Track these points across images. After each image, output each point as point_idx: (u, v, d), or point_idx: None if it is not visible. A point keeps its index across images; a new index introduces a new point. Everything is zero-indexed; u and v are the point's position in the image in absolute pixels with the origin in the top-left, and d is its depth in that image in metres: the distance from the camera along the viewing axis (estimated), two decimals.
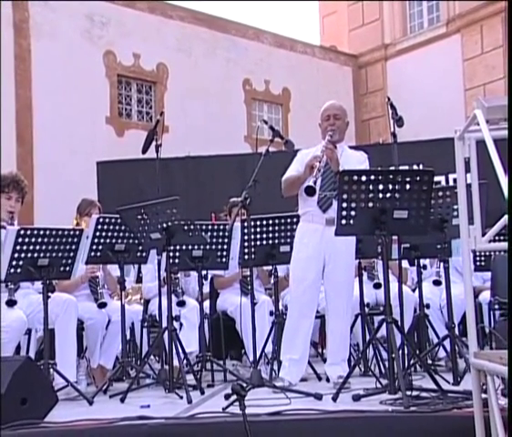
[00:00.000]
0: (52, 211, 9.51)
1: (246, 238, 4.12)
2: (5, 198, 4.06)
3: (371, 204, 3.29)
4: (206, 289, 4.92)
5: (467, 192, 2.48)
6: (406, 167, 5.74)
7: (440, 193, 3.80)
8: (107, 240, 4.11)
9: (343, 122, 4.02)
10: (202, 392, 3.77)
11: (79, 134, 11.89)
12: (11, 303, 3.84)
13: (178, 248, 4.34)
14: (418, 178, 3.28)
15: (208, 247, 4.36)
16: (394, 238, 4.02)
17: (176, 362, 3.84)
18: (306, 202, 3.90)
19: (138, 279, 5.53)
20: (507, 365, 2.05)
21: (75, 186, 9.64)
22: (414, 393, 3.12)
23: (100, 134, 12.38)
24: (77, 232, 3.87)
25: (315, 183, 3.60)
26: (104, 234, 4.09)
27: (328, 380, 3.93)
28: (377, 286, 4.76)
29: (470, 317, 2.42)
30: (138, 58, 13.23)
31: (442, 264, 4.12)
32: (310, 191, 3.62)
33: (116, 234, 4.12)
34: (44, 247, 3.70)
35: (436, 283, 4.66)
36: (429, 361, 4.24)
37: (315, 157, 3.74)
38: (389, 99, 3.98)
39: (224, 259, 4.53)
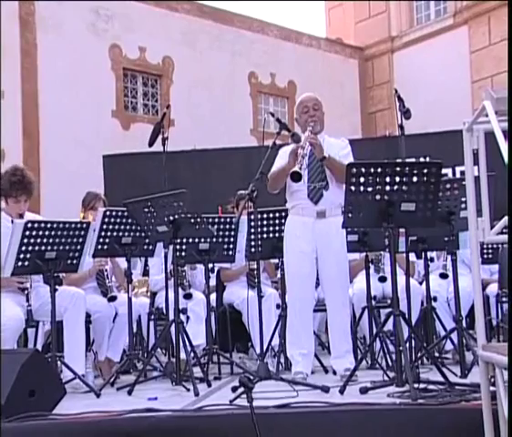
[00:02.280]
0: (58, 205, 9.53)
1: (253, 231, 4.11)
2: (14, 203, 3.99)
3: (378, 196, 3.27)
4: (212, 281, 4.92)
5: (475, 184, 2.47)
6: (413, 160, 5.71)
7: (448, 185, 3.78)
8: (114, 233, 4.11)
9: (321, 112, 4.03)
10: (209, 385, 3.78)
11: (85, 127, 11.91)
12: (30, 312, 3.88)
13: (184, 241, 4.35)
14: (426, 171, 3.26)
15: (214, 240, 4.36)
16: (401, 230, 4.01)
17: (183, 355, 3.84)
18: (295, 195, 3.88)
19: (145, 272, 5.54)
20: (508, 357, 2.05)
21: (81, 179, 9.65)
22: (422, 386, 3.11)
23: (106, 127, 12.40)
24: (84, 225, 3.87)
25: (300, 168, 3.57)
26: (111, 227, 4.10)
27: (335, 372, 3.93)
28: (382, 279, 4.75)
29: (478, 309, 2.41)
30: (143, 52, 13.23)
31: (449, 257, 4.11)
32: (296, 177, 3.55)
33: (122, 227, 4.12)
34: (51, 240, 3.70)
35: (443, 276, 4.65)
36: (436, 354, 4.24)
37: (297, 145, 3.73)
38: (396, 91, 3.96)
39: (231, 252, 4.53)
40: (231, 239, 4.51)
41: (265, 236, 4.30)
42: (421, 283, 4.80)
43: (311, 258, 3.86)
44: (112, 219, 4.09)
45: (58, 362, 3.80)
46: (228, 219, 4.52)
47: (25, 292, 3.92)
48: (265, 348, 4.03)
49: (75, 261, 3.86)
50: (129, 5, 12.81)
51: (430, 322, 4.48)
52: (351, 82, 16.22)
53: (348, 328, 3.98)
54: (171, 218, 3.82)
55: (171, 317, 3.92)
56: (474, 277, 2.45)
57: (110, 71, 12.86)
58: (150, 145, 4.24)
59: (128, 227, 4.13)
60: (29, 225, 3.65)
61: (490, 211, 2.39)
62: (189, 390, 3.55)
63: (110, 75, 12.85)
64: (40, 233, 3.67)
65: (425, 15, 15.91)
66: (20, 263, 3.67)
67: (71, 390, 3.67)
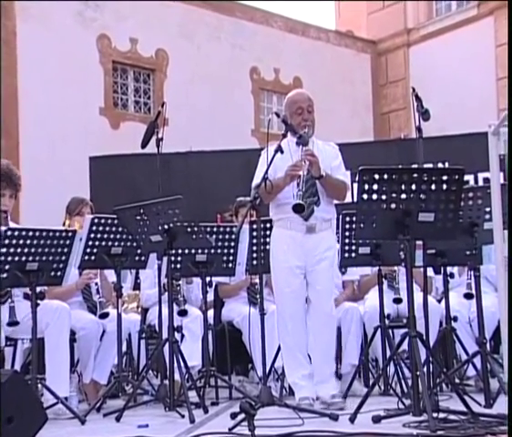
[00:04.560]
0: (40, 210, 9.55)
1: (255, 241, 4.12)
2: None
3: (393, 205, 3.29)
4: (210, 297, 4.93)
5: (501, 193, 2.48)
6: (430, 165, 5.73)
7: (470, 194, 3.78)
8: (103, 243, 4.12)
9: (313, 114, 4.06)
10: (206, 411, 3.79)
11: (70, 126, 11.94)
12: (13, 324, 3.88)
13: (180, 251, 4.36)
14: (446, 178, 3.27)
15: (213, 251, 4.37)
16: (419, 243, 4.01)
17: (177, 377, 3.85)
18: (283, 208, 3.92)
19: (136, 286, 5.54)
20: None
21: (65, 183, 9.68)
22: (441, 416, 3.11)
23: (93, 126, 12.42)
24: (70, 234, 3.88)
25: (302, 198, 3.63)
26: (99, 236, 4.11)
27: (317, 398, 3.90)
28: (398, 301, 4.74)
29: (505, 332, 2.41)
30: (135, 43, 13.27)
31: (472, 273, 4.09)
32: (299, 209, 3.63)
33: (112, 236, 4.14)
34: (33, 249, 3.71)
35: (468, 296, 4.55)
36: (457, 380, 4.23)
37: (296, 165, 3.77)
38: (414, 90, 3.98)
39: (230, 265, 4.55)
40: (231, 251, 4.52)
41: (268, 247, 4.30)
42: (439, 301, 4.79)
43: (300, 272, 3.93)
44: (101, 228, 4.10)
45: (39, 385, 3.80)
46: (228, 229, 4.53)
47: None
48: (268, 370, 4.03)
49: (59, 273, 3.87)
50: None
51: (450, 345, 4.47)
52: (362, 79, 16.26)
53: (332, 350, 4.06)
54: (166, 226, 3.84)
55: (165, 335, 3.93)
56: (500, 295, 2.46)
57: (98, 64, 12.89)
58: (143, 146, 4.25)
59: (118, 236, 4.15)
60: (8, 232, 3.66)
61: None
62: (183, 416, 3.55)
63: (98, 68, 12.88)
64: (21, 242, 3.67)
65: (446, 6, 15.95)
66: None
67: (53, 416, 3.68)
